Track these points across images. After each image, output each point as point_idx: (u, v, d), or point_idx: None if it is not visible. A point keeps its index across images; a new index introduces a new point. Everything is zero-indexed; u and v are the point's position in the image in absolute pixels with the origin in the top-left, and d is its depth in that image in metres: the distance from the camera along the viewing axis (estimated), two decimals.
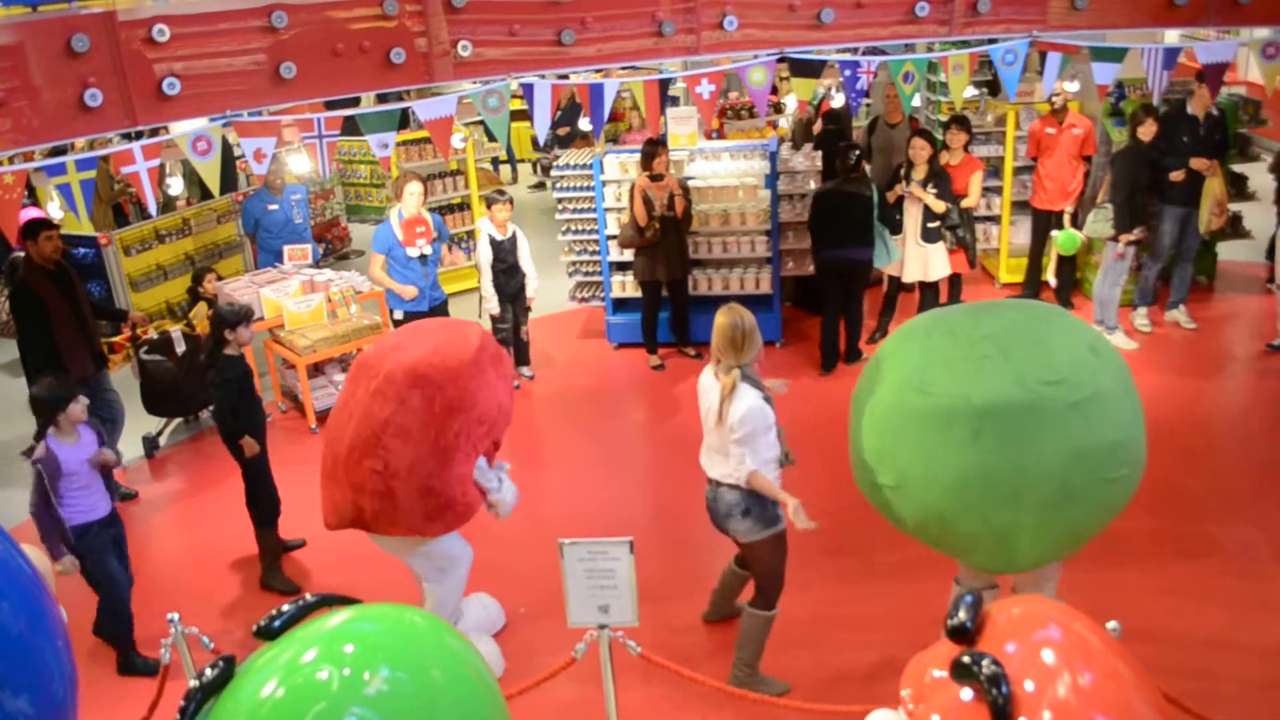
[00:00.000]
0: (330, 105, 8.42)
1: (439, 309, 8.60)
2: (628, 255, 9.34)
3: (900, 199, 8.89)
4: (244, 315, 6.44)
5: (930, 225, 8.84)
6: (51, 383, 5.62)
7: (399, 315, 8.50)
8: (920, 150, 8.75)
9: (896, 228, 9.03)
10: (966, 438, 4.23)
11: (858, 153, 8.76)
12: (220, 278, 9.56)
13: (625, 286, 9.71)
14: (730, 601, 5.88)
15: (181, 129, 5.72)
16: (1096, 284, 9.08)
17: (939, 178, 8.75)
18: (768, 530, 5.14)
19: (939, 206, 8.71)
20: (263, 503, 6.59)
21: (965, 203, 8.90)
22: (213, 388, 6.46)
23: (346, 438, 5.15)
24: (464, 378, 5.09)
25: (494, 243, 8.69)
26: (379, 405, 5.05)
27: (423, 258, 8.36)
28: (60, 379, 5.74)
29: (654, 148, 8.84)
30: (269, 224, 10.30)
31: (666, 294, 9.34)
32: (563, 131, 12.87)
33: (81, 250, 9.94)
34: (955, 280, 9.20)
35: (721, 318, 5.00)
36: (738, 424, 4.87)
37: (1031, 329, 4.41)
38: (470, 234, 11.94)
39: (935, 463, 4.33)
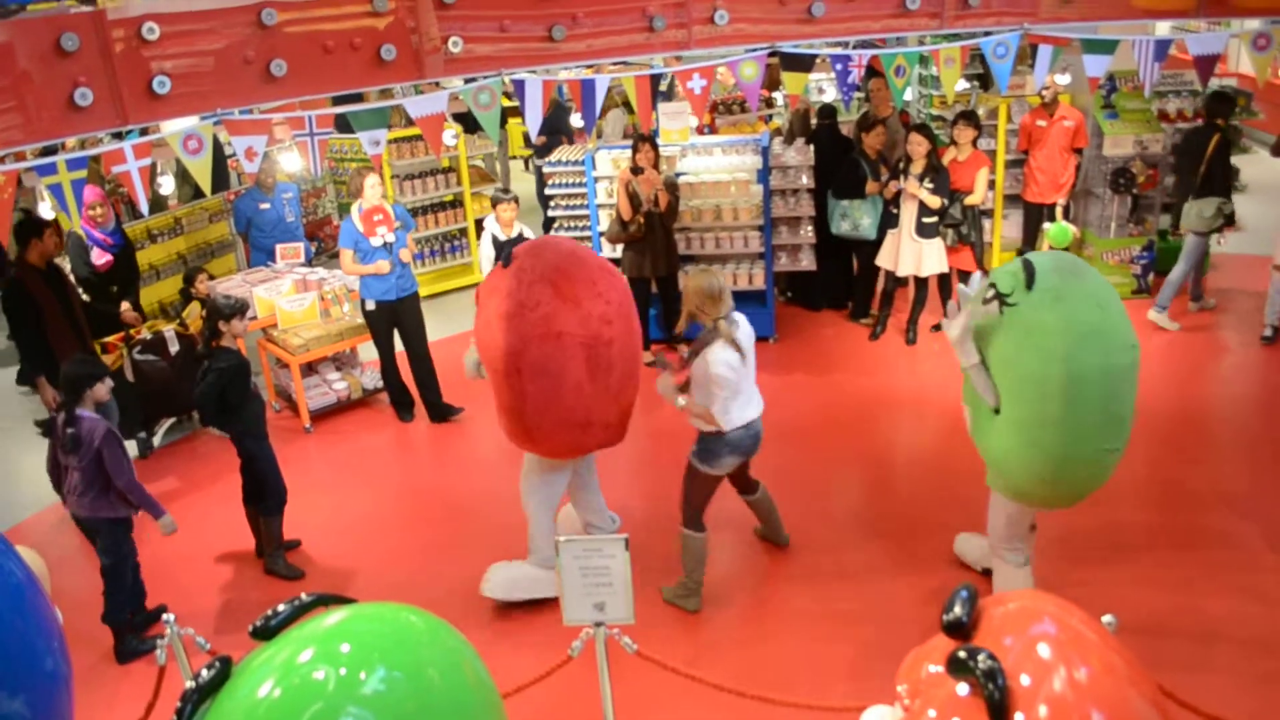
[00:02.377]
0: (336, 101, 8.39)
1: (409, 299, 8.51)
2: (619, 251, 9.32)
3: (897, 194, 8.90)
4: (238, 308, 6.47)
5: (926, 220, 8.84)
6: (83, 360, 5.97)
7: (370, 306, 8.43)
8: (918, 146, 8.75)
9: (893, 222, 9.05)
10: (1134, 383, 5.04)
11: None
12: (213, 277, 9.53)
13: None
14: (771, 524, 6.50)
15: (172, 128, 5.69)
16: (1178, 270, 9.20)
17: (936, 173, 8.75)
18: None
19: (934, 202, 8.72)
20: (269, 491, 6.64)
21: (970, 199, 8.90)
22: (207, 374, 6.41)
23: (614, 373, 5.64)
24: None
25: (497, 242, 8.59)
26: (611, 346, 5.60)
27: (387, 246, 8.32)
28: (90, 358, 6.10)
29: (639, 142, 8.83)
30: (261, 223, 10.27)
31: (656, 290, 9.32)
32: (539, 141, 12.67)
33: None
34: (965, 279, 9.18)
35: (700, 279, 5.50)
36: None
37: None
38: (463, 231, 11.91)
39: (1130, 411, 5.08)
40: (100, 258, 8.65)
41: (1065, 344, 4.85)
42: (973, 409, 5.39)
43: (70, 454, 5.76)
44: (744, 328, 5.59)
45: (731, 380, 5.41)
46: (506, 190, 9.04)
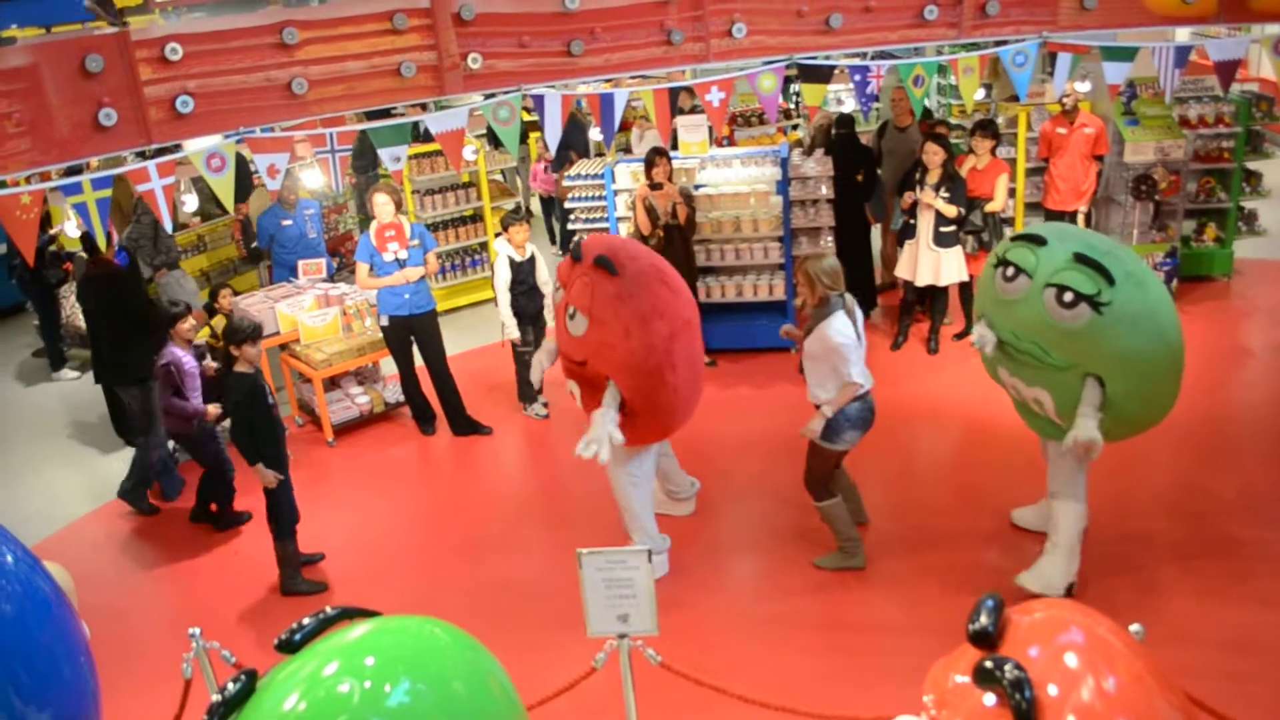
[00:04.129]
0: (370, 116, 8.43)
1: (424, 316, 8.52)
2: None
3: (913, 204, 8.88)
4: (253, 333, 6.45)
5: (943, 230, 8.81)
6: (162, 304, 7.13)
7: (385, 322, 8.47)
8: (933, 155, 8.73)
9: (910, 232, 9.03)
10: None
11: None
12: (237, 293, 9.59)
13: None
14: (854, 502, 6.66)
15: (195, 146, 5.75)
16: None
17: (952, 181, 8.73)
18: None
19: (950, 211, 8.70)
20: (283, 515, 6.63)
21: (990, 206, 8.87)
22: (228, 411, 6.57)
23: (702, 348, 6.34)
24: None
25: (513, 264, 8.54)
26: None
27: (399, 262, 8.35)
28: (163, 304, 7.25)
29: (655, 156, 8.84)
30: (283, 239, 10.35)
31: None
32: (548, 158, 12.74)
33: None
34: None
35: (821, 260, 5.84)
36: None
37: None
38: (483, 245, 11.95)
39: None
40: None
41: (1168, 317, 5.36)
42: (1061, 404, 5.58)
43: (157, 380, 7.07)
44: (856, 306, 5.96)
45: (853, 345, 5.76)
46: (518, 211, 9.05)
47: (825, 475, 6.18)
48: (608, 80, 6.55)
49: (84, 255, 8.18)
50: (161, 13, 7.89)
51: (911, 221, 9.00)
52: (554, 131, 6.15)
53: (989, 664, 2.66)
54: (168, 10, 7.93)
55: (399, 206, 8.56)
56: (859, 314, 5.94)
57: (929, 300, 9.46)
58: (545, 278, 8.74)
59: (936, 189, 8.71)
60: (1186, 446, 7.36)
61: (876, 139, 10.38)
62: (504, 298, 8.61)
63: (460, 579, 6.70)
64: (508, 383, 9.24)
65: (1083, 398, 5.36)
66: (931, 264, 8.97)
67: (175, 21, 5.58)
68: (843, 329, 5.78)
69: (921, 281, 9.11)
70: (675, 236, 8.89)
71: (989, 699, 2.67)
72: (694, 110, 10.94)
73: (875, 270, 10.44)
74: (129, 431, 8.59)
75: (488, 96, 6.03)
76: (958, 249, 8.89)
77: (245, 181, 11.33)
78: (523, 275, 8.58)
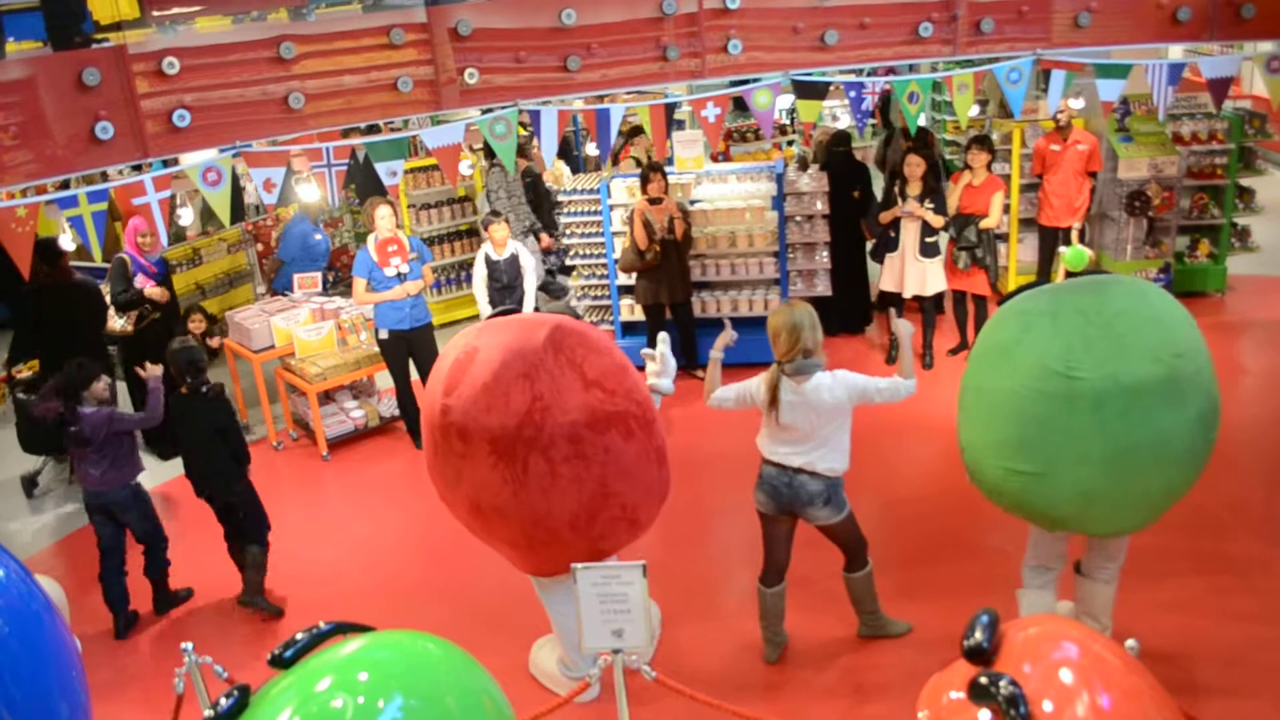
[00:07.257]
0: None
1: (422, 329, 8.59)
2: (633, 279, 9.36)
3: (895, 218, 8.95)
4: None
5: (928, 240, 8.89)
6: (78, 364, 6.32)
7: (384, 335, 8.51)
8: (915, 167, 8.82)
9: (892, 245, 9.08)
10: (1117, 415, 4.45)
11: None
12: (209, 317, 9.51)
13: (634, 310, 9.72)
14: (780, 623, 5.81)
15: (192, 160, 5.75)
16: None
17: (934, 193, 8.81)
18: (842, 513, 5.45)
19: (938, 221, 8.78)
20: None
21: (985, 223, 8.91)
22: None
23: (559, 511, 4.88)
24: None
25: (490, 262, 8.86)
26: (585, 466, 4.85)
27: (400, 276, 8.39)
28: (85, 361, 6.40)
29: (650, 172, 8.88)
30: (315, 253, 10.45)
31: (671, 317, 9.35)
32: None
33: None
34: (980, 303, 9.21)
35: (802, 312, 5.24)
36: (866, 382, 5.28)
37: (1146, 306, 4.67)
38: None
39: (1085, 443, 4.51)
40: (143, 284, 8.69)
41: (974, 359, 5.07)
42: None
43: (83, 447, 6.27)
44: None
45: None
46: (497, 213, 9.19)
47: (859, 531, 5.62)
48: (602, 95, 6.57)
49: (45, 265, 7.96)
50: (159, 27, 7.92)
51: (893, 234, 9.06)
52: (550, 146, 6.17)
53: (984, 680, 2.66)
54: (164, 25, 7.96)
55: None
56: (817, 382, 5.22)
57: (921, 313, 9.52)
58: (530, 277, 9.08)
59: (921, 201, 8.78)
60: None
61: (882, 148, 10.39)
62: (479, 293, 9.00)
63: (454, 593, 6.68)
64: None
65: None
66: (918, 274, 9.03)
67: (173, 35, 5.58)
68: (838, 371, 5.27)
69: (909, 292, 9.17)
70: (671, 251, 8.93)
71: (984, 715, 2.67)
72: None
73: (870, 287, 10.46)
74: (36, 447, 8.46)
75: (485, 112, 6.06)
76: (940, 258, 8.97)
77: (237, 198, 11.37)
78: (497, 273, 8.87)
